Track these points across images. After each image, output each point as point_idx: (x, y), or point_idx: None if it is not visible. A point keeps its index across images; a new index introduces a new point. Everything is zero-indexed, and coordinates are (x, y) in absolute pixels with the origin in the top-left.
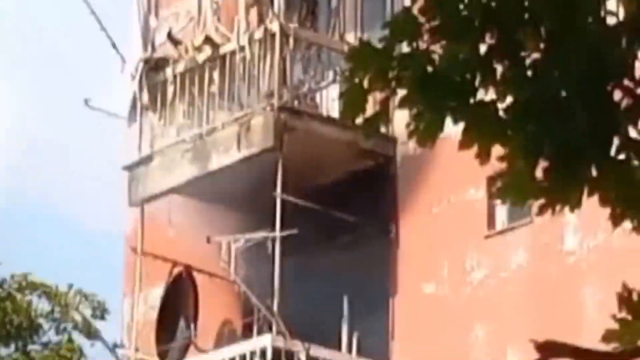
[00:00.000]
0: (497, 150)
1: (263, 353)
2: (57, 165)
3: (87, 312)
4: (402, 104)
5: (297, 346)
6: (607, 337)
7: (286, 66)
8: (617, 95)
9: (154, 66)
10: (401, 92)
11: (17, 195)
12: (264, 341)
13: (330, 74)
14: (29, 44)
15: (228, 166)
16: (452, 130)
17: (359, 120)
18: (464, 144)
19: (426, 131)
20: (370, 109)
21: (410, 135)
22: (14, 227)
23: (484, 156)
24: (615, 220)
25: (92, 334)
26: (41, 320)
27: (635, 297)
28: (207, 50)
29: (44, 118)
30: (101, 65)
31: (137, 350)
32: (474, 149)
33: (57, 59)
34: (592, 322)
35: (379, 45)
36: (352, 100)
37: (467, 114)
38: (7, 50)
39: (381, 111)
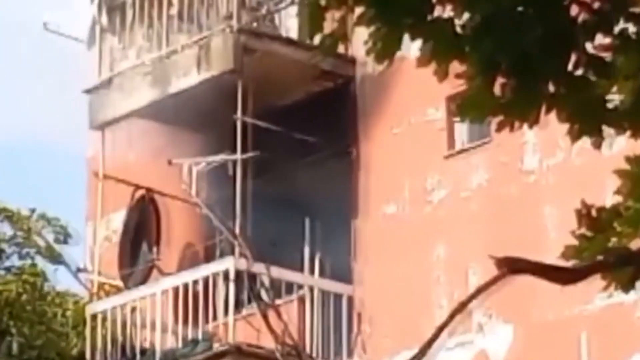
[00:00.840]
0: (455, 67)
1: (226, 275)
2: (17, 89)
3: (50, 237)
4: (360, 21)
5: (260, 268)
6: (567, 253)
7: None
8: (574, 10)
9: None
10: (359, 10)
11: None
12: (227, 263)
13: None
14: None
15: (188, 89)
16: (412, 50)
17: (317, 40)
18: (421, 62)
19: (384, 49)
20: (327, 28)
21: (368, 52)
22: None
23: (441, 73)
24: (573, 136)
25: (55, 258)
26: (4, 245)
27: (594, 213)
28: None
29: (3, 42)
30: None
31: (100, 274)
32: (432, 66)
33: None
34: (552, 239)
35: None
36: (310, 19)
37: (425, 31)
38: None
39: (339, 29)
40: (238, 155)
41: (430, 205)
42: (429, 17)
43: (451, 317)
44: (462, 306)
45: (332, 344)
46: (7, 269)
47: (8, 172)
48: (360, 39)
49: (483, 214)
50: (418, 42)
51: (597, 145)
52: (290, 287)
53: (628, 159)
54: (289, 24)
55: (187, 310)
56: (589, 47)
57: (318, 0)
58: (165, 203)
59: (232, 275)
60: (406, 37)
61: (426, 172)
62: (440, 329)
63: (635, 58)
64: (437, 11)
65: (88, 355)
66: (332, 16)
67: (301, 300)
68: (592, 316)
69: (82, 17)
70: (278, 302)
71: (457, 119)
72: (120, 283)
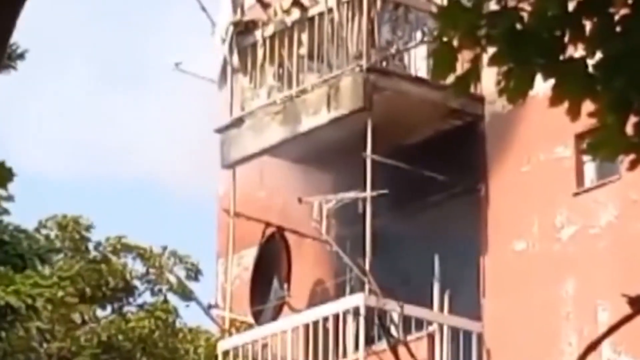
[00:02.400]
0: (587, 106)
1: (356, 312)
2: (150, 128)
3: (182, 274)
4: (492, 61)
5: (390, 305)
6: None
7: (374, 27)
8: None
9: (243, 29)
10: (490, 50)
11: (112, 159)
12: (357, 300)
13: (418, 34)
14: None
15: (318, 127)
16: (540, 88)
17: (449, 80)
18: (554, 101)
19: (516, 88)
20: (458, 68)
21: (500, 93)
22: (109, 191)
23: (574, 112)
24: None
25: (186, 295)
26: (136, 282)
27: None
28: (296, 13)
29: (137, 81)
30: (191, 29)
31: (231, 310)
32: (564, 105)
33: (148, 24)
34: None
35: (468, 4)
36: (442, 59)
37: (557, 70)
38: (98, 20)
39: (472, 69)
40: (368, 193)
41: (559, 242)
42: (561, 57)
43: (584, 355)
44: (594, 345)
45: None
46: (140, 306)
47: (140, 210)
48: (488, 78)
49: (612, 251)
50: (547, 81)
51: None
52: (419, 324)
53: None
54: (418, 62)
55: (317, 347)
56: None
57: (450, 40)
58: (295, 240)
59: (362, 312)
60: (537, 75)
61: (555, 209)
62: None
63: None
64: (569, 51)
65: None
66: (463, 56)
67: (431, 336)
68: None
69: (214, 57)
70: (408, 338)
71: (587, 157)
72: (251, 319)
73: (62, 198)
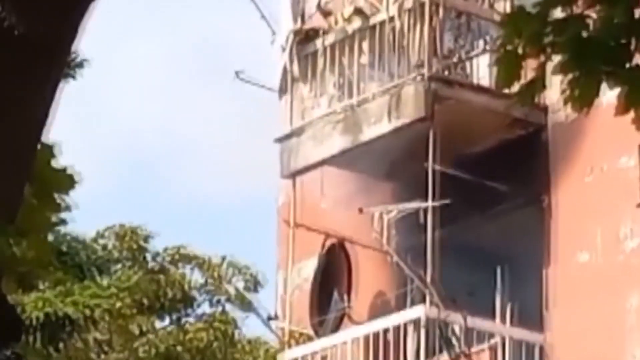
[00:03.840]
0: None
1: (417, 324)
2: (209, 136)
3: (241, 285)
4: (557, 69)
5: (452, 316)
6: None
7: (436, 35)
8: None
9: (304, 38)
10: (555, 58)
11: (172, 168)
12: (418, 312)
13: (481, 42)
14: (182, 23)
15: (379, 137)
16: (604, 98)
17: (514, 88)
18: (620, 110)
19: (582, 97)
20: (522, 76)
21: (565, 101)
22: (167, 200)
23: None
24: None
25: (245, 306)
26: (195, 293)
27: None
28: (357, 21)
29: (198, 89)
30: (251, 38)
31: (290, 322)
32: (630, 114)
33: (208, 32)
34: None
35: (533, 11)
36: (507, 67)
37: (623, 78)
38: (162, 29)
39: (537, 78)
40: (429, 203)
41: (623, 254)
42: (628, 65)
43: None
44: None
45: None
46: (199, 317)
47: (199, 220)
48: (552, 87)
49: None
50: (613, 89)
51: None
52: (481, 336)
53: None
54: (481, 71)
55: (377, 359)
56: None
57: (515, 48)
58: (356, 251)
59: (423, 324)
60: (603, 84)
61: (619, 221)
62: None
63: None
64: (636, 59)
65: None
66: (527, 64)
67: (493, 349)
68: None
69: (274, 66)
70: (470, 351)
71: None
72: (311, 331)
73: (119, 208)
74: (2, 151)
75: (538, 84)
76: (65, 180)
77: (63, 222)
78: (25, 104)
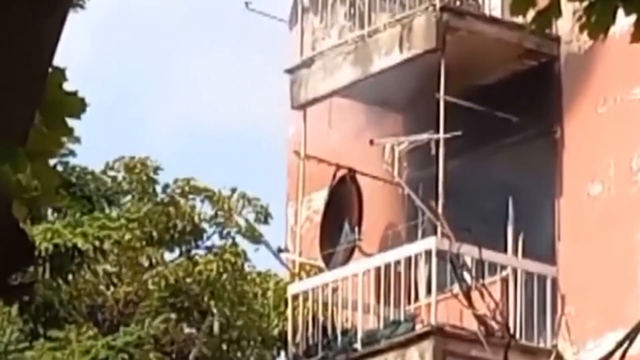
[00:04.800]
0: None
1: (428, 256)
2: (218, 68)
3: (251, 217)
4: None
5: (463, 248)
6: None
7: None
8: None
9: None
10: None
11: (181, 100)
12: (429, 244)
13: None
14: None
15: (390, 68)
16: (617, 28)
17: (529, 16)
18: (636, 37)
19: (598, 23)
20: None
21: (581, 28)
22: (177, 132)
23: None
24: None
25: (255, 238)
26: (204, 225)
27: None
28: None
29: (207, 21)
30: None
31: (301, 254)
32: None
33: None
34: None
35: None
36: None
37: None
38: None
39: (553, 4)
40: (441, 135)
41: (636, 185)
42: None
43: None
44: None
45: (536, 325)
46: (208, 249)
47: (209, 152)
48: (564, 17)
49: None
50: (625, 19)
51: None
52: (493, 268)
53: None
54: (493, 1)
55: (388, 291)
56: None
57: None
58: (367, 183)
59: (434, 256)
60: (619, 10)
61: (632, 152)
62: None
63: None
64: None
65: (289, 335)
66: None
67: (504, 281)
68: None
69: None
70: (481, 283)
71: None
72: (321, 263)
73: (130, 139)
74: (14, 76)
75: (553, 10)
76: (77, 104)
77: (72, 153)
78: (36, 29)
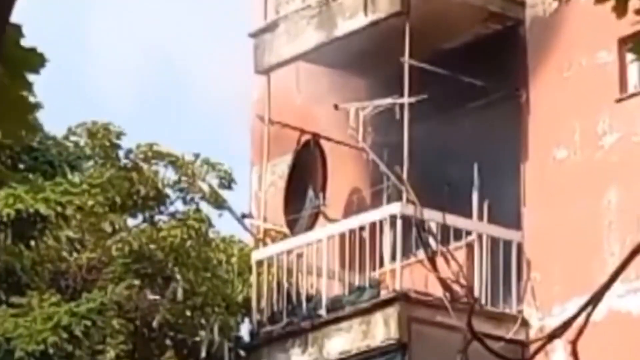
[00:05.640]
0: (634, 3)
1: (393, 221)
2: (181, 31)
3: (215, 182)
4: None
5: (428, 214)
6: None
7: None
8: None
9: None
10: None
11: (144, 61)
12: (394, 209)
13: None
14: None
15: (354, 31)
16: None
17: None
18: None
19: None
20: None
21: None
22: (139, 96)
23: (621, 9)
24: None
25: (219, 203)
26: (168, 191)
27: None
28: None
29: None
30: None
31: (265, 220)
32: (610, 3)
33: None
34: None
35: None
36: None
37: None
38: None
39: None
40: (405, 99)
41: (601, 149)
42: None
43: (624, 264)
44: (635, 253)
45: (501, 291)
46: (172, 215)
47: (172, 117)
48: None
49: None
50: None
51: None
52: (458, 234)
53: None
54: None
55: (353, 257)
56: None
57: None
58: (331, 148)
59: (399, 222)
60: None
61: (597, 116)
62: (614, 277)
63: None
64: None
65: (254, 302)
66: None
67: (470, 246)
68: None
69: None
70: (446, 248)
71: (632, 59)
72: (285, 229)
73: (93, 104)
74: None
75: None
76: (36, 59)
77: (38, 105)
78: None
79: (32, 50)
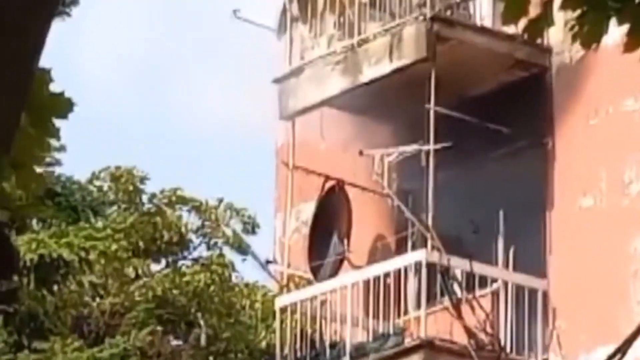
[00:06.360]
0: None
1: (417, 268)
2: (205, 78)
3: (238, 227)
4: (565, 5)
5: (453, 261)
6: None
7: None
8: None
9: None
10: None
11: (164, 109)
12: (419, 256)
13: None
14: None
15: (380, 78)
16: (608, 39)
17: (520, 25)
18: (628, 47)
19: (590, 33)
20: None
21: (573, 38)
22: (162, 142)
23: None
24: None
25: (243, 249)
26: (191, 236)
27: None
28: None
29: (193, 30)
30: None
31: (289, 265)
32: (637, 54)
33: None
34: None
35: None
36: (514, 2)
37: (633, 14)
38: None
39: (545, 12)
40: (431, 146)
41: (627, 197)
42: (637, 1)
43: None
44: None
45: (527, 339)
46: (195, 260)
47: (197, 162)
48: (556, 27)
49: None
50: (617, 30)
51: None
52: (483, 281)
53: None
54: (483, 11)
55: (377, 304)
56: None
57: None
58: (356, 194)
59: (424, 269)
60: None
61: (624, 164)
62: None
63: None
64: None
65: (277, 348)
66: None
67: (495, 294)
68: None
69: (272, 5)
70: (470, 296)
71: None
72: (309, 275)
73: (116, 148)
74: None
75: (545, 18)
76: (63, 104)
77: (58, 162)
78: (22, 31)
79: (60, 95)
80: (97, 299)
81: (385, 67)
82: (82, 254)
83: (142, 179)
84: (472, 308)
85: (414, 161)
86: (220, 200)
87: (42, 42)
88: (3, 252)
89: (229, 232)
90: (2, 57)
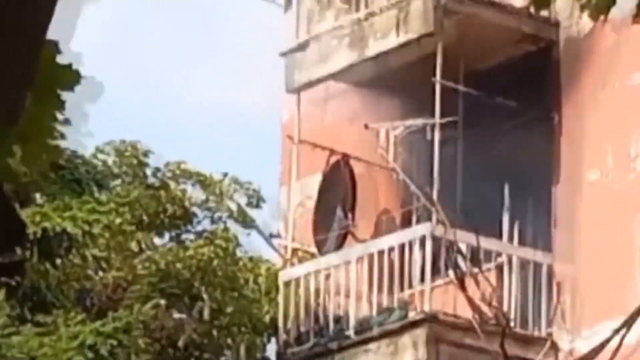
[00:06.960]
0: None
1: (422, 242)
2: (211, 52)
3: (242, 201)
4: None
5: (458, 235)
6: None
7: None
8: None
9: None
10: None
11: (169, 82)
12: (424, 230)
13: None
14: None
15: (386, 52)
16: (616, 13)
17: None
18: (638, 18)
19: (599, 4)
20: None
21: (582, 8)
22: (168, 115)
23: None
24: None
25: (247, 223)
26: (195, 209)
27: None
28: None
29: (202, 5)
30: None
31: (293, 239)
32: None
33: None
34: None
35: None
36: None
37: None
38: None
39: None
40: (437, 120)
41: (634, 172)
42: None
43: None
44: None
45: (531, 313)
46: (199, 234)
47: (201, 135)
48: (564, 1)
49: None
50: (626, 1)
51: None
52: (488, 255)
53: None
54: None
55: (382, 278)
56: None
57: None
58: (361, 168)
59: (429, 243)
60: None
61: (630, 139)
62: None
63: None
64: None
65: (280, 322)
66: None
67: (499, 268)
68: None
69: None
70: (475, 270)
71: None
72: (314, 249)
73: (120, 123)
74: (6, 53)
75: None
76: (71, 76)
77: (62, 136)
78: (30, 4)
79: (68, 67)
80: (101, 273)
81: (392, 41)
82: (86, 227)
83: (146, 153)
84: (477, 283)
85: (419, 135)
86: (225, 174)
87: (50, 12)
88: (10, 224)
89: (233, 206)
90: (15, 26)
